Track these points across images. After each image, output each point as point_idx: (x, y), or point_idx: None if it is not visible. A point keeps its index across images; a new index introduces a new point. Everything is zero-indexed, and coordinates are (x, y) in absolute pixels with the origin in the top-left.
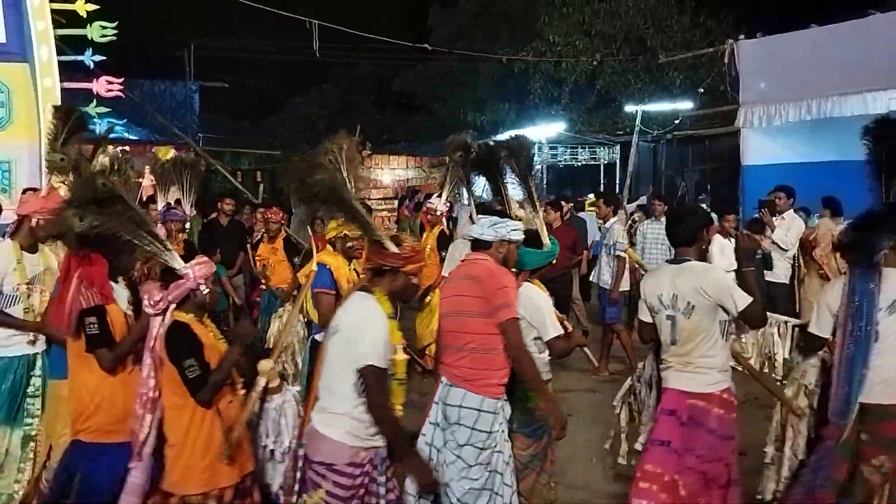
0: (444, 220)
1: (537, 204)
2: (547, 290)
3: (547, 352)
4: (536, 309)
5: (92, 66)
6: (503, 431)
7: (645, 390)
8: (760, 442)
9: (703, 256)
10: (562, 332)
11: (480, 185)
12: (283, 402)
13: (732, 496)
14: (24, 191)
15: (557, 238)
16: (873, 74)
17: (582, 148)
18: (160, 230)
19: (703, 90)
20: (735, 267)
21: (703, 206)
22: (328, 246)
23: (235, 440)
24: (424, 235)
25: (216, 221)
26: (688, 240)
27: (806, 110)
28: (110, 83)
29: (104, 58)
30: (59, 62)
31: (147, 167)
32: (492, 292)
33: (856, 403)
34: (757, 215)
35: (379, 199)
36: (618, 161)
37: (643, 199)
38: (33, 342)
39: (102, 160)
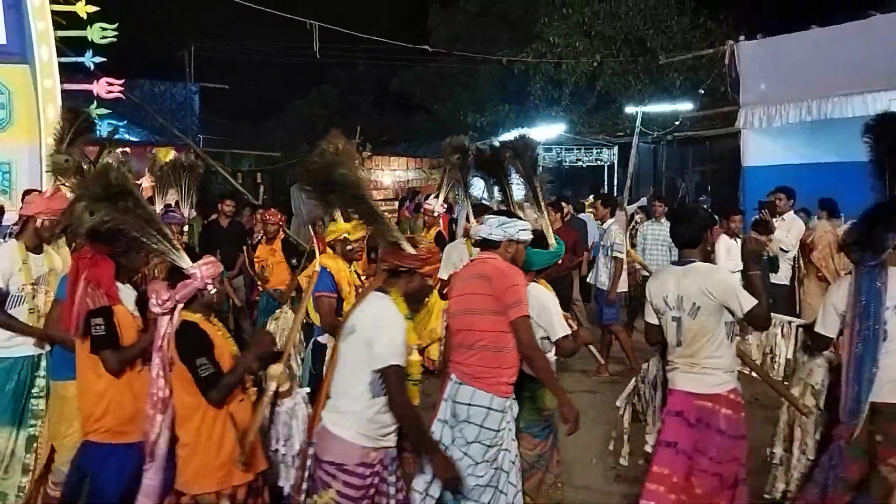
0: (441, 220)
1: (542, 204)
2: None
3: (553, 351)
4: (544, 309)
5: (92, 67)
6: (510, 430)
7: (649, 391)
8: (763, 442)
9: (708, 257)
10: (569, 331)
11: (479, 186)
12: (293, 404)
13: (740, 496)
14: (25, 192)
15: None
16: (874, 75)
17: (579, 149)
18: None
19: (703, 91)
20: (741, 268)
21: (704, 207)
22: (328, 249)
23: (250, 446)
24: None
25: (216, 223)
26: (692, 241)
27: (806, 111)
28: (110, 84)
29: (104, 59)
30: (60, 63)
31: (146, 169)
32: (503, 290)
33: (866, 402)
34: (757, 216)
35: (379, 200)
36: (616, 162)
37: (643, 201)
38: (41, 344)
39: (105, 162)
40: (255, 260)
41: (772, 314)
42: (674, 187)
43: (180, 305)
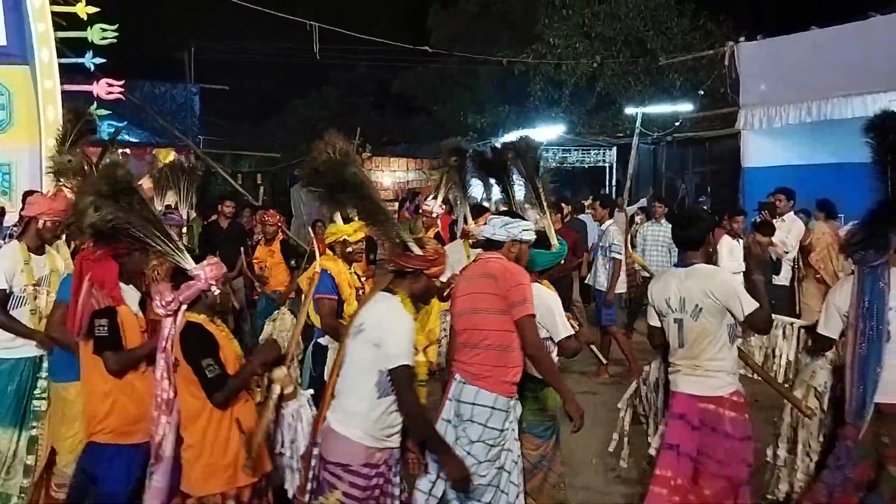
0: (439, 221)
1: (545, 205)
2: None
3: (556, 352)
4: (547, 309)
5: (92, 68)
6: (513, 430)
7: (652, 394)
8: (763, 443)
9: (710, 259)
10: (572, 331)
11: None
12: (298, 407)
13: (743, 495)
14: (26, 193)
15: None
16: (874, 76)
17: (579, 150)
18: None
19: (703, 92)
20: (743, 269)
21: (704, 208)
22: (327, 250)
23: (257, 450)
24: None
25: (216, 224)
26: (695, 244)
27: (806, 112)
28: (110, 85)
29: (104, 60)
30: (60, 64)
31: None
32: (508, 289)
33: (871, 403)
34: (757, 218)
35: None
36: (614, 163)
37: (643, 202)
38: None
39: (110, 161)
40: (253, 261)
41: (773, 315)
42: (674, 188)
43: (184, 307)
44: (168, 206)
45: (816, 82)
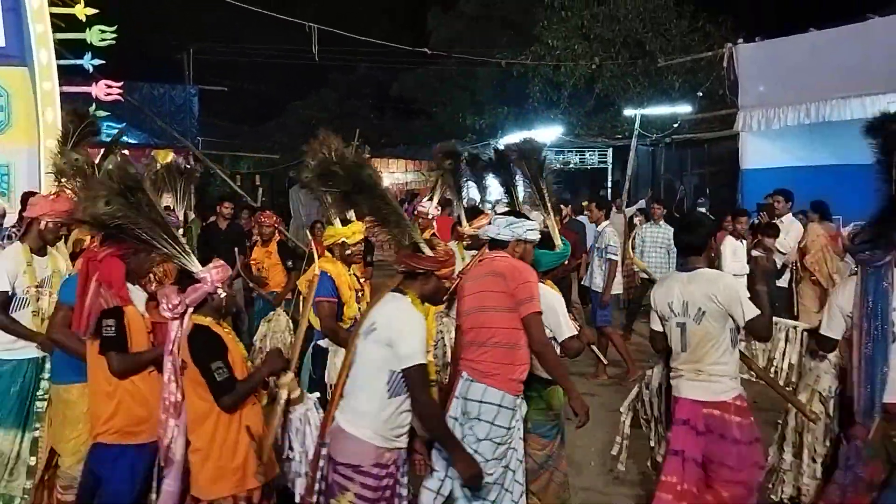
0: (434, 223)
1: (549, 205)
2: None
3: (559, 352)
4: (550, 309)
5: (91, 69)
6: (519, 429)
7: (654, 398)
8: (763, 445)
9: (712, 263)
10: (576, 332)
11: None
12: (305, 410)
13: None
14: (24, 194)
15: None
16: (872, 78)
17: (578, 152)
18: None
19: (702, 94)
20: (746, 271)
21: (703, 209)
22: (326, 252)
23: (267, 457)
24: None
25: (215, 225)
26: (697, 248)
27: (805, 114)
28: (109, 87)
29: (103, 62)
30: (59, 66)
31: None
32: (516, 286)
33: (880, 402)
34: (756, 219)
35: None
36: (610, 165)
37: (642, 203)
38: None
39: (107, 166)
40: (251, 262)
41: (776, 319)
42: (672, 190)
43: (190, 309)
44: (165, 208)
45: (815, 84)
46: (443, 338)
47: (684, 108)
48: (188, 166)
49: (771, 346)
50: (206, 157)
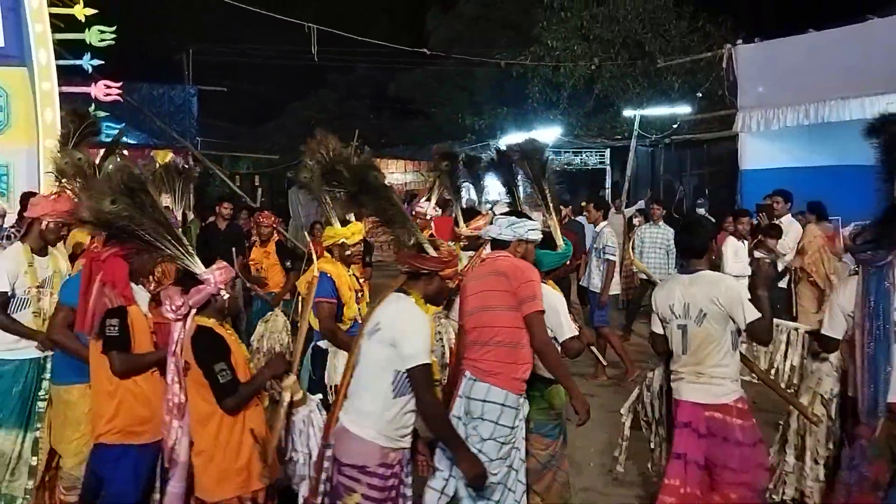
0: (433, 224)
1: (551, 206)
2: None
3: (560, 352)
4: (552, 309)
5: (90, 70)
6: (522, 428)
7: (655, 401)
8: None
9: (713, 265)
10: (577, 332)
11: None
12: (308, 412)
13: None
14: (24, 195)
15: None
16: (871, 79)
17: (577, 152)
18: None
19: (701, 94)
20: (748, 272)
21: (702, 210)
22: (325, 253)
23: (271, 459)
24: None
25: (214, 225)
26: (699, 251)
27: (804, 115)
28: (108, 87)
29: (102, 62)
30: (58, 66)
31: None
32: (518, 285)
33: (884, 402)
34: (756, 220)
35: None
36: (609, 165)
37: (641, 204)
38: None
39: (108, 166)
40: (249, 263)
41: (777, 321)
42: (672, 190)
43: (193, 311)
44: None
45: (814, 85)
46: (441, 339)
47: (684, 109)
48: (187, 166)
49: (772, 348)
50: (206, 157)
